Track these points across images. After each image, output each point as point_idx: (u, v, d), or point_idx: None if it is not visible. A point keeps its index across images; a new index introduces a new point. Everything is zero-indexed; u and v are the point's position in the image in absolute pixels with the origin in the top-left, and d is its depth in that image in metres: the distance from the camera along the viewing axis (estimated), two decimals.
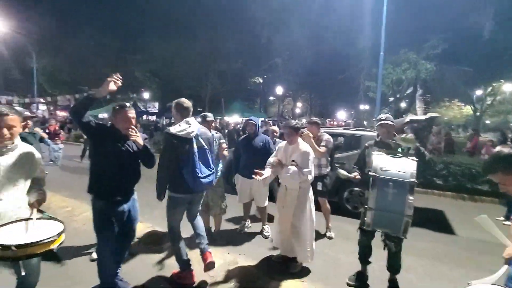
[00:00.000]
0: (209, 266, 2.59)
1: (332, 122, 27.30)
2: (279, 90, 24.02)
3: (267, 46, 20.58)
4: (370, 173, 2.37)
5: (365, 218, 2.43)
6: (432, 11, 14.35)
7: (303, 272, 2.97)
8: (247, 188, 3.82)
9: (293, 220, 2.87)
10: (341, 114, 28.86)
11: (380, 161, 2.41)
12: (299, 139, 2.98)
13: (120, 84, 2.10)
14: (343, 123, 25.18)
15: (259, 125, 3.99)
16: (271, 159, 2.99)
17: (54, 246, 1.55)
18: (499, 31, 13.95)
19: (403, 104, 19.69)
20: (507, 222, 4.82)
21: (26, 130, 3.91)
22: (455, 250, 3.80)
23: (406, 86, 17.55)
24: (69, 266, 2.91)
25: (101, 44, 20.54)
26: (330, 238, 3.89)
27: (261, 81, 27.51)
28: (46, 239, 1.50)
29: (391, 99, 18.60)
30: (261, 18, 19.20)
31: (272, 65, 22.80)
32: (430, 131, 8.94)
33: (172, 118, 2.88)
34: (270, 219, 3.94)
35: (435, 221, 4.89)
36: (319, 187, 3.75)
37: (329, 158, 3.94)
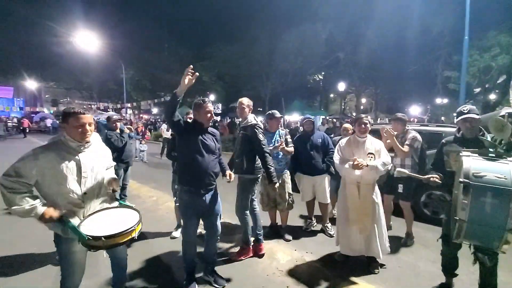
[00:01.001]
0: (259, 257, 3.07)
1: None
2: (341, 86, 22.86)
3: (328, 41, 19.80)
4: (461, 179, 2.04)
5: (452, 229, 2.06)
6: None
7: (377, 276, 2.79)
8: (309, 186, 3.80)
9: (372, 214, 2.80)
10: (414, 110, 25.67)
11: (473, 164, 2.04)
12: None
13: (196, 75, 2.14)
14: (415, 119, 22.51)
15: (316, 122, 3.94)
16: (340, 160, 2.90)
17: (135, 234, 1.70)
18: None
19: (492, 96, 16.58)
20: None
21: (117, 130, 4.54)
22: None
23: (497, 75, 14.73)
24: (154, 246, 3.34)
25: (176, 55, 22.85)
26: (407, 245, 3.49)
27: (321, 77, 26.62)
28: (129, 228, 1.65)
29: (477, 90, 15.87)
30: (322, 12, 18.55)
31: (334, 61, 21.83)
32: None
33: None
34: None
35: None
36: (400, 189, 3.46)
37: (416, 159, 3.46)
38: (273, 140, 3.46)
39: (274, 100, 19.67)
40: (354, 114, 27.51)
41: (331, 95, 31.77)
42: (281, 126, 3.75)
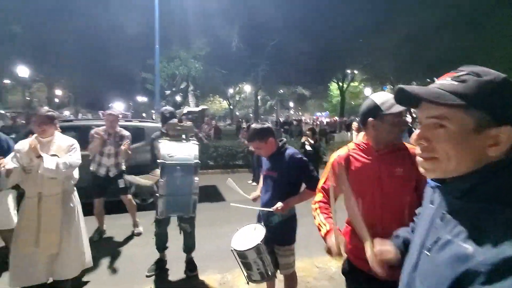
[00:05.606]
0: None
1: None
2: (23, 71, 18.35)
3: None
4: (158, 160, 2.53)
5: (157, 207, 2.51)
6: (196, 17, 16.70)
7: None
8: None
9: (62, 231, 2.40)
10: (119, 106, 26.77)
11: (167, 148, 2.62)
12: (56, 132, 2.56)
13: None
14: (121, 115, 23.65)
15: None
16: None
17: None
18: (242, 45, 18.71)
19: (178, 97, 21.72)
20: (254, 183, 6.96)
21: None
22: (227, 213, 4.92)
23: (180, 81, 19.51)
24: None
25: None
26: (139, 234, 3.97)
27: None
28: None
29: (168, 92, 19.99)
30: None
31: (5, 35, 16.78)
32: (203, 121, 10.81)
33: None
34: None
35: (210, 194, 6.06)
36: (121, 184, 3.83)
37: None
38: None
39: None
40: (44, 107, 23.39)
41: (7, 82, 24.39)
42: None
